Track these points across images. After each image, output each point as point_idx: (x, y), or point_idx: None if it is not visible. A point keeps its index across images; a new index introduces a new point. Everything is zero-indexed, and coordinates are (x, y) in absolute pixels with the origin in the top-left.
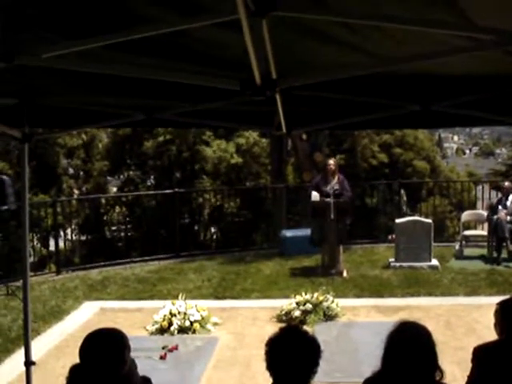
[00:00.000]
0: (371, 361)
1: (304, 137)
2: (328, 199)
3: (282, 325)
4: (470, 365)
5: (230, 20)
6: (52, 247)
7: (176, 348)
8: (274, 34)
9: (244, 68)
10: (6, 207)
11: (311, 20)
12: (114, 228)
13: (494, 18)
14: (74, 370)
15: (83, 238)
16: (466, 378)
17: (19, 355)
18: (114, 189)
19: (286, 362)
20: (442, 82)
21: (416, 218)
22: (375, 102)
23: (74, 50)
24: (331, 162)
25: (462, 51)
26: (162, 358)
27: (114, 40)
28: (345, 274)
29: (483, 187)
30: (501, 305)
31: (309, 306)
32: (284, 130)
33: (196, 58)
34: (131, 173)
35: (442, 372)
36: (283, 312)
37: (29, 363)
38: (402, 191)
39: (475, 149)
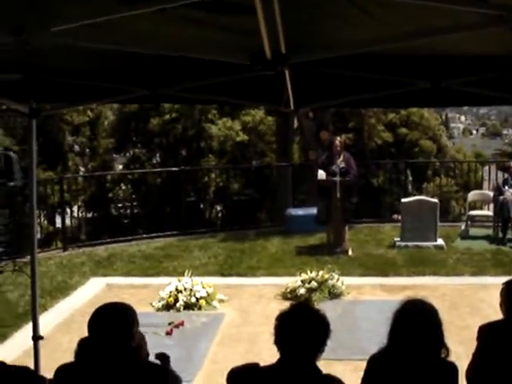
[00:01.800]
0: (376, 338)
1: (310, 115)
2: (334, 178)
3: (288, 302)
4: (474, 344)
5: None
6: (58, 224)
7: (182, 324)
8: (285, 8)
9: (254, 42)
10: (13, 183)
11: None
12: (119, 205)
13: None
14: (82, 344)
15: (89, 215)
16: (470, 357)
17: (27, 330)
18: (120, 166)
19: (295, 337)
20: (453, 60)
21: (422, 197)
22: (385, 79)
23: (83, 24)
24: (337, 140)
25: (472, 28)
26: (168, 333)
27: (122, 14)
28: (350, 252)
29: (490, 168)
30: (507, 284)
31: (314, 284)
32: (292, 106)
33: (206, 31)
34: (137, 150)
35: (447, 350)
36: (288, 290)
37: (36, 338)
38: (408, 171)
39: (482, 129)
